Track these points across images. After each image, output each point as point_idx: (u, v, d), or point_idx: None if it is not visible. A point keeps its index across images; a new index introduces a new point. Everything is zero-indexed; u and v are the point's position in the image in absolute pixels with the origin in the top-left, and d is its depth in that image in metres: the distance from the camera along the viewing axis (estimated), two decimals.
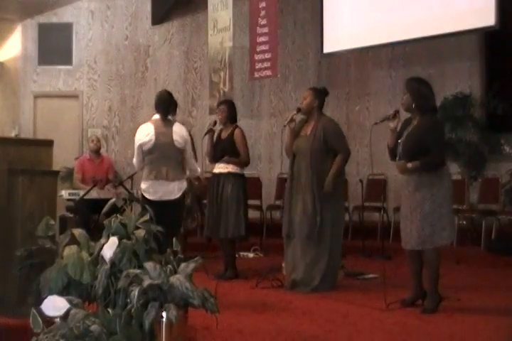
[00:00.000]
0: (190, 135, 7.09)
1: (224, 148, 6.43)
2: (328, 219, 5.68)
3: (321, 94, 5.88)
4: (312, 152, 5.71)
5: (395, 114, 5.04)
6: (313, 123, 5.81)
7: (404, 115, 5.11)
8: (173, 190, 5.74)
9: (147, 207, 3.95)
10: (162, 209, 5.46)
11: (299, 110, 5.87)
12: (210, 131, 6.55)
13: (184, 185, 5.85)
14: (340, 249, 5.88)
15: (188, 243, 7.48)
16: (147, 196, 5.72)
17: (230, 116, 6.54)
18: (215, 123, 6.57)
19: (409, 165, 4.83)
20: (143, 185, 5.79)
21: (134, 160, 5.87)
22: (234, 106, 6.68)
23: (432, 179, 4.82)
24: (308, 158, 5.72)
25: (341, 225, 5.92)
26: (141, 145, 5.74)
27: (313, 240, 5.65)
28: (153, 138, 5.69)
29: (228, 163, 6.37)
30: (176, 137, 5.76)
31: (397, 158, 4.98)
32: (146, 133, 5.73)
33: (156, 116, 5.82)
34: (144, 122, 5.96)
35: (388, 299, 4.93)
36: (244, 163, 6.48)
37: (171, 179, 5.73)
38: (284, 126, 5.92)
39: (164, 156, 5.71)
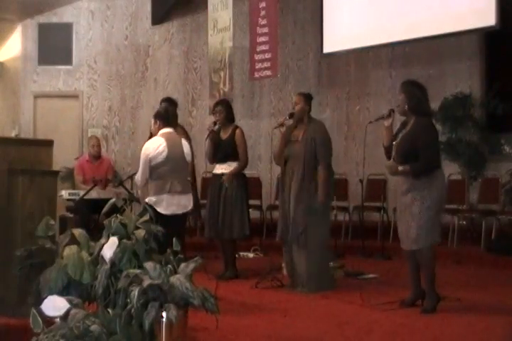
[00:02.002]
0: (189, 137, 7.11)
1: (225, 149, 6.44)
2: (315, 221, 5.69)
3: (309, 99, 5.95)
4: (305, 158, 5.75)
5: (390, 113, 5.08)
6: (304, 128, 5.85)
7: (401, 118, 5.13)
8: (184, 203, 5.74)
9: (147, 207, 3.95)
10: (171, 222, 5.44)
11: (291, 115, 5.89)
12: (211, 133, 6.54)
13: (191, 197, 5.86)
14: (328, 250, 5.95)
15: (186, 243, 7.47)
16: (160, 210, 5.54)
17: (228, 116, 6.55)
18: (214, 124, 6.56)
19: (400, 168, 4.86)
20: (154, 198, 5.61)
21: (139, 175, 5.72)
22: (231, 106, 6.71)
23: (423, 181, 4.84)
24: (301, 164, 5.76)
25: (328, 226, 5.94)
26: (151, 159, 5.62)
27: (300, 244, 5.68)
28: (166, 149, 5.63)
29: (231, 170, 6.39)
30: (185, 150, 5.81)
31: (391, 160, 4.99)
32: (157, 145, 5.65)
33: (165, 130, 5.77)
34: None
35: (384, 299, 4.93)
36: (243, 167, 6.50)
37: (184, 192, 5.74)
38: (275, 127, 6.00)
39: (176, 169, 5.69)
